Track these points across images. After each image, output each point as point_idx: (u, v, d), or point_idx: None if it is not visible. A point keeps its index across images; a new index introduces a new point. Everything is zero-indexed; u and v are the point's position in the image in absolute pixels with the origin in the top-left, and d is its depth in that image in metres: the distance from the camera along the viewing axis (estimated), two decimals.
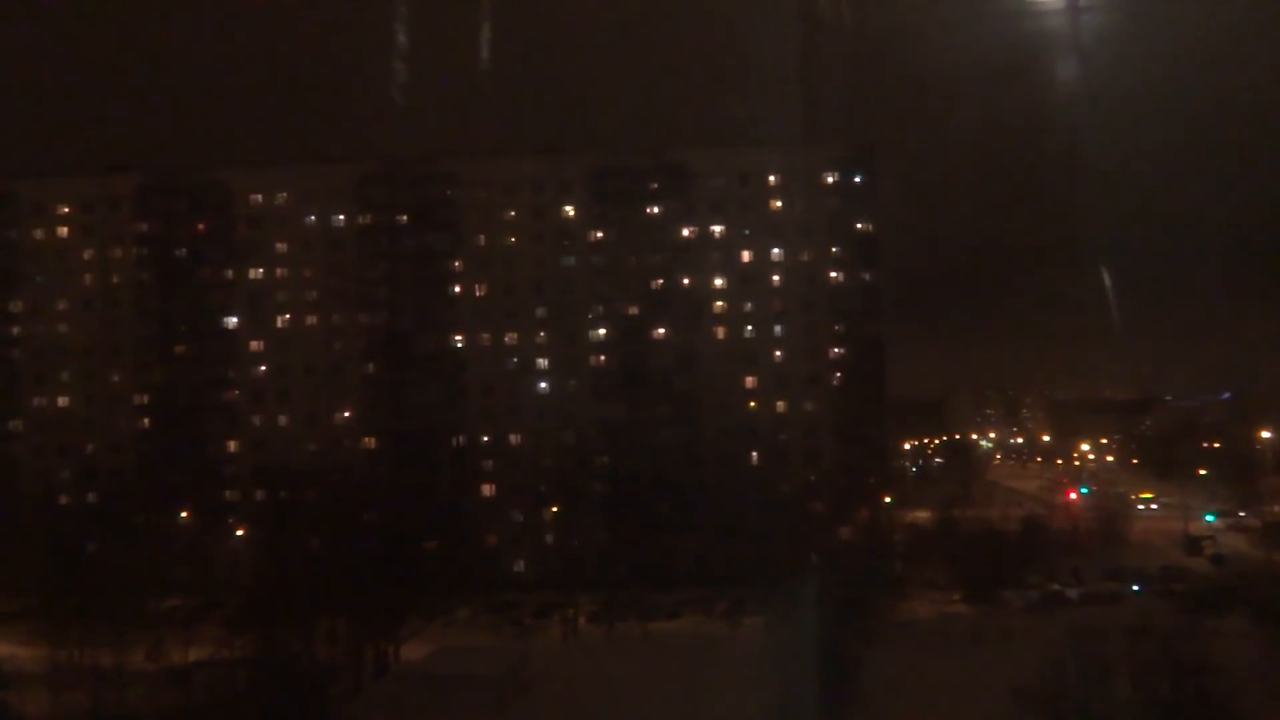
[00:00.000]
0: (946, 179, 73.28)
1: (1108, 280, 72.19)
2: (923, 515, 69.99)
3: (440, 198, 72.15)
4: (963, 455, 78.62)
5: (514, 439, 70.39)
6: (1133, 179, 75.34)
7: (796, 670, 35.91)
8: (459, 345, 71.36)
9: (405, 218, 72.80)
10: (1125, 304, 76.25)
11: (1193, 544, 69.19)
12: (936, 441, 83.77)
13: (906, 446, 77.82)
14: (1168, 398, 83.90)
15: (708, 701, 36.61)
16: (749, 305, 71.73)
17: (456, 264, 71.83)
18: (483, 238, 71.65)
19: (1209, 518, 77.94)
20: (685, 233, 71.97)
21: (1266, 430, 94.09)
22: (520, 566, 68.68)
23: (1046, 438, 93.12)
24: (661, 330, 71.56)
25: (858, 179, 72.70)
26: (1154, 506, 77.19)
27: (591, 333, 71.73)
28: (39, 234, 73.40)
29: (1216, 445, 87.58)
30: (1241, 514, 72.13)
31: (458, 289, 72.16)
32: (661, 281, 71.93)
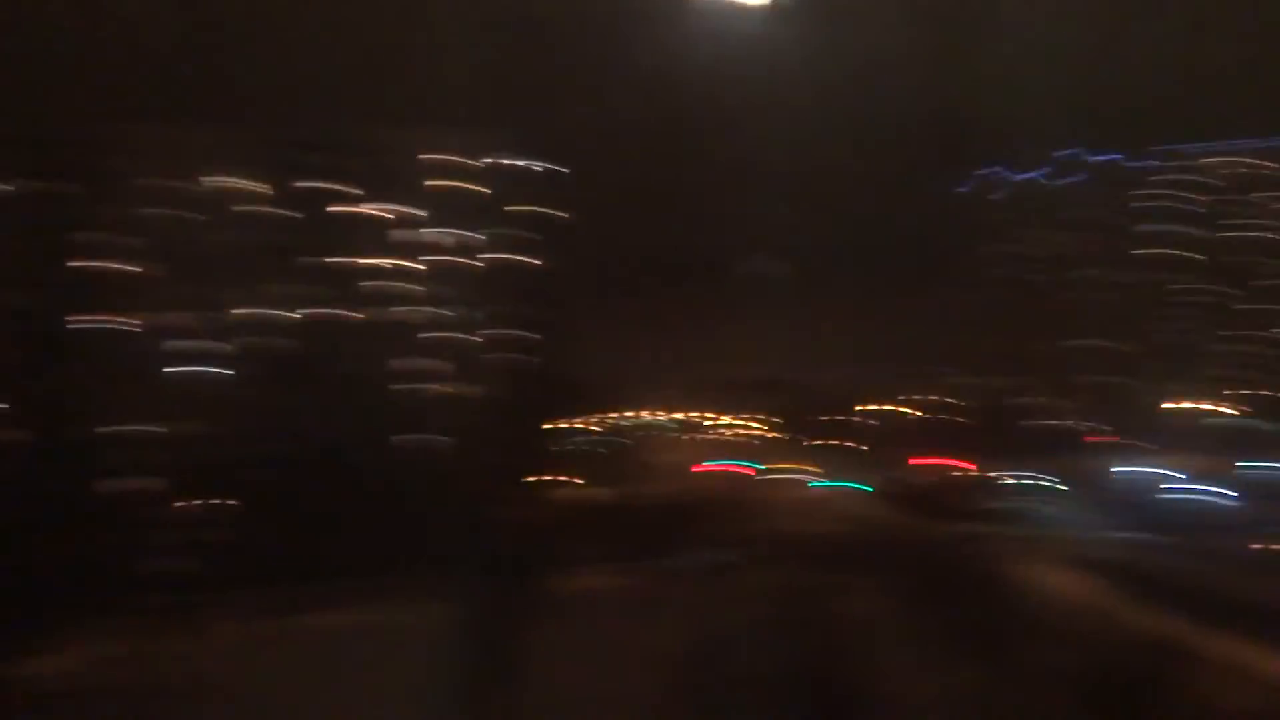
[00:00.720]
0: (629, 167, 76.73)
1: (773, 270, 79.22)
2: (592, 492, 73.17)
3: (91, 165, 66.60)
4: (627, 433, 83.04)
5: (166, 428, 66.34)
6: (792, 182, 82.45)
7: (459, 650, 37.08)
8: (107, 327, 66.29)
9: (52, 185, 66.66)
10: (793, 292, 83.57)
11: (829, 509, 76.36)
12: (606, 420, 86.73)
13: (577, 424, 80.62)
14: (793, 375, 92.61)
15: (374, 689, 36.95)
16: (421, 287, 71.61)
17: (105, 238, 66.66)
18: (136, 210, 66.98)
19: (855, 486, 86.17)
20: (358, 210, 70.80)
21: (907, 407, 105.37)
22: (171, 565, 64.82)
23: (718, 416, 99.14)
24: (328, 311, 69.92)
25: (540, 165, 74.54)
26: (809, 480, 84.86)
27: (253, 314, 68.82)
28: None
29: (870, 421, 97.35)
30: (883, 481, 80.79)
31: (108, 265, 67.02)
32: (331, 260, 70.37)
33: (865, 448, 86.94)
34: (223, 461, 63.05)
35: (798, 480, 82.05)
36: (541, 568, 49.61)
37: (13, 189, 64.61)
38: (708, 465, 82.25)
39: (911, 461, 75.40)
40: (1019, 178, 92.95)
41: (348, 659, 41.60)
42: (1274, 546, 51.16)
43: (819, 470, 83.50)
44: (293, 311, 67.53)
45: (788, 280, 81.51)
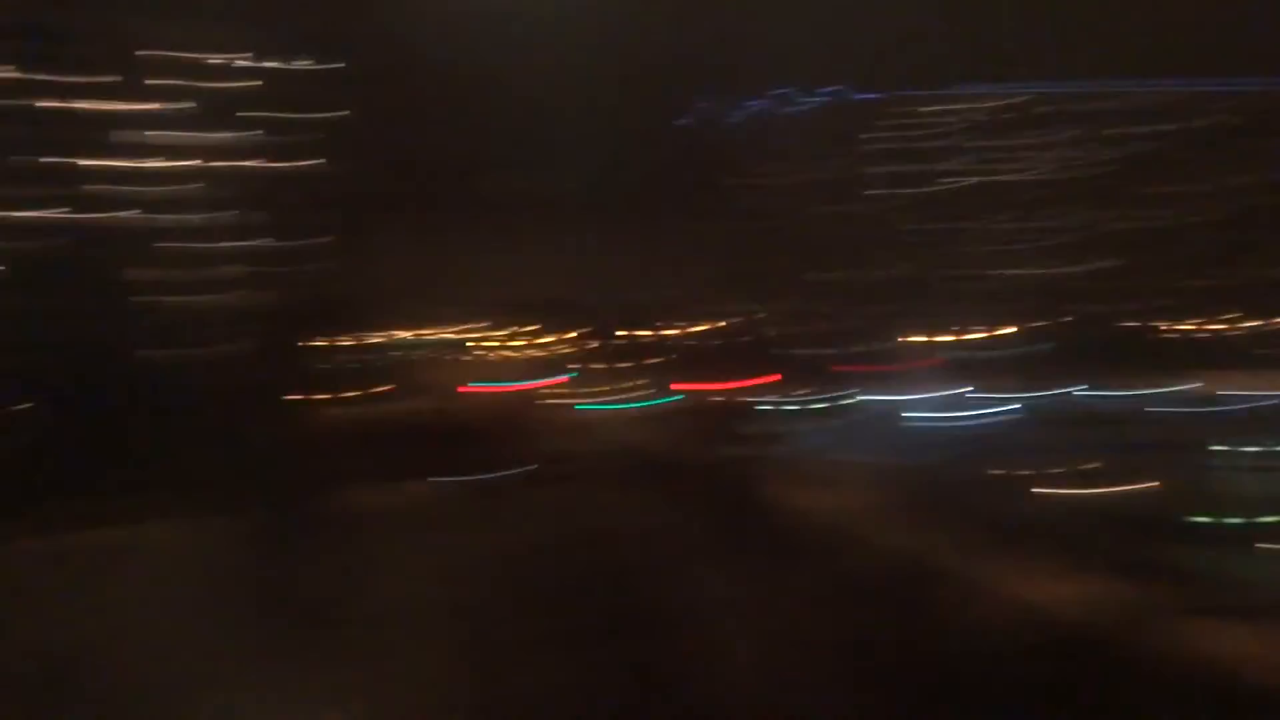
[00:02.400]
0: (407, 75, 75.56)
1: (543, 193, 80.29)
2: (357, 411, 72.84)
3: None
4: (394, 352, 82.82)
5: None
6: (560, 112, 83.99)
7: (227, 572, 37.10)
8: None
9: None
10: (561, 218, 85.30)
11: (593, 430, 79.16)
12: (373, 339, 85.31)
13: (344, 343, 79.21)
14: (591, 298, 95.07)
15: (152, 607, 36.53)
16: (172, 188, 68.43)
17: None
18: None
19: (624, 407, 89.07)
20: (117, 108, 66.75)
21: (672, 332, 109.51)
22: None
23: (492, 336, 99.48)
24: (70, 215, 65.89)
25: (311, 63, 72.13)
26: (576, 403, 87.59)
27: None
28: None
29: (639, 344, 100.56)
30: (649, 405, 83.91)
31: None
32: (69, 160, 66.17)
33: (633, 370, 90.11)
34: None
35: (568, 403, 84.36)
36: (306, 486, 49.74)
37: None
38: (477, 386, 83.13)
39: (674, 386, 79.16)
40: (745, 111, 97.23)
41: (115, 578, 40.67)
42: (1015, 472, 55.33)
43: (593, 391, 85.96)
44: (25, 214, 63.22)
45: (560, 204, 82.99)
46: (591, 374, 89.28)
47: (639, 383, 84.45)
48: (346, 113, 71.53)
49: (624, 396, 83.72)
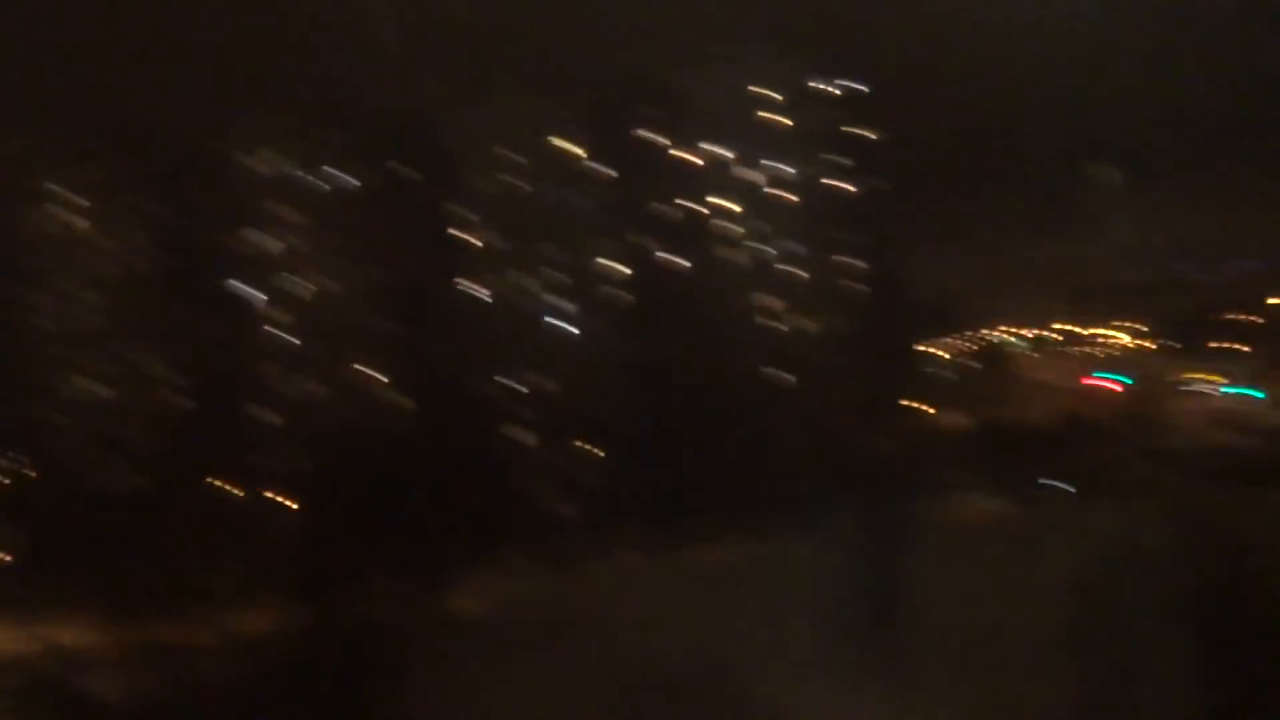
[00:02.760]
0: (944, 75, 73.09)
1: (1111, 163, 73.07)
2: (958, 418, 71.22)
3: (438, 146, 72.39)
4: (990, 353, 79.64)
5: (541, 383, 71.53)
6: (1136, 58, 74.78)
7: (848, 584, 37.24)
8: (478, 295, 72.08)
9: (403, 170, 73.13)
10: (1134, 182, 76.77)
11: (1232, 421, 69.95)
12: (964, 342, 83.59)
13: (934, 351, 78.10)
14: (1192, 273, 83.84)
15: (769, 623, 38.08)
16: (757, 224, 72.34)
17: (462, 211, 72.29)
18: (485, 183, 72.06)
19: (1255, 394, 78.30)
20: (688, 157, 72.49)
21: None
22: (565, 509, 70.15)
23: (1076, 328, 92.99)
24: (675, 260, 72.24)
25: (852, 84, 72.92)
26: (1201, 389, 78.29)
27: (605, 267, 72.41)
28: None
29: (1253, 319, 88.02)
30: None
31: (468, 237, 72.72)
32: (668, 210, 72.55)
33: (1264, 351, 78.68)
34: (591, 410, 67.30)
35: (1193, 391, 75.51)
36: (916, 496, 49.21)
37: (359, 180, 71.80)
38: (1086, 380, 77.58)
39: None
40: None
41: (731, 594, 43.17)
42: None
43: (1218, 378, 76.33)
44: (631, 265, 70.54)
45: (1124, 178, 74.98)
46: (1223, 356, 79.02)
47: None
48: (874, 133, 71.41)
49: (1257, 381, 73.18)
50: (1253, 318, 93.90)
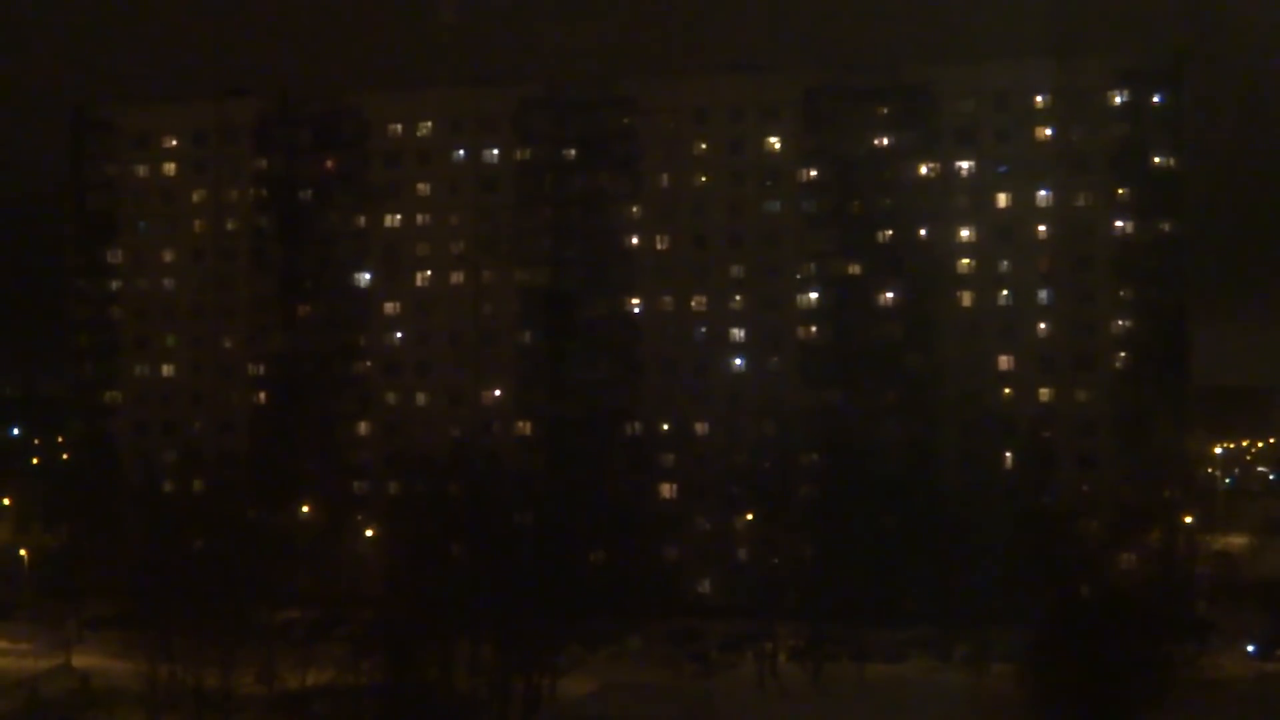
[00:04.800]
0: (1271, 99, 68.49)
1: None
2: (1237, 542, 66.12)
3: (615, 128, 72.04)
4: None
5: (701, 428, 70.01)
6: None
7: None
8: (635, 311, 71.23)
9: (573, 152, 73.09)
10: None
11: None
12: (1260, 445, 77.94)
13: (1217, 450, 72.58)
14: None
15: None
16: (1005, 264, 68.82)
17: (634, 210, 71.71)
18: (666, 177, 71.24)
19: None
20: (923, 171, 69.63)
21: None
22: (706, 587, 68.41)
23: None
24: (890, 295, 69.47)
25: (1156, 99, 68.57)
26: None
27: (801, 298, 70.36)
28: (142, 171, 77.32)
29: None
30: None
31: (635, 241, 71.96)
32: (891, 233, 69.80)
33: None
34: (770, 472, 65.20)
35: None
36: (1175, 639, 45.37)
37: (531, 157, 71.55)
38: None
39: None
40: None
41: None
42: None
43: None
44: (826, 291, 68.07)
45: None
46: None
47: None
48: (1174, 160, 66.06)
49: None
50: None
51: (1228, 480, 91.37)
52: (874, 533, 62.34)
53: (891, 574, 61.50)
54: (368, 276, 74.04)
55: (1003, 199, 68.17)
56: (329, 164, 75.03)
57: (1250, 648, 52.13)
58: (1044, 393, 66.51)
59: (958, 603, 56.30)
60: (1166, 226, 66.99)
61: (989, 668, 48.43)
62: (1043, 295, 66.72)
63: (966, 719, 40.38)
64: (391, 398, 73.28)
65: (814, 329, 68.82)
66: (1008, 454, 66.37)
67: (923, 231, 68.67)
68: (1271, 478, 69.68)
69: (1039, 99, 68.70)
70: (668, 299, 70.00)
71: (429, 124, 74.52)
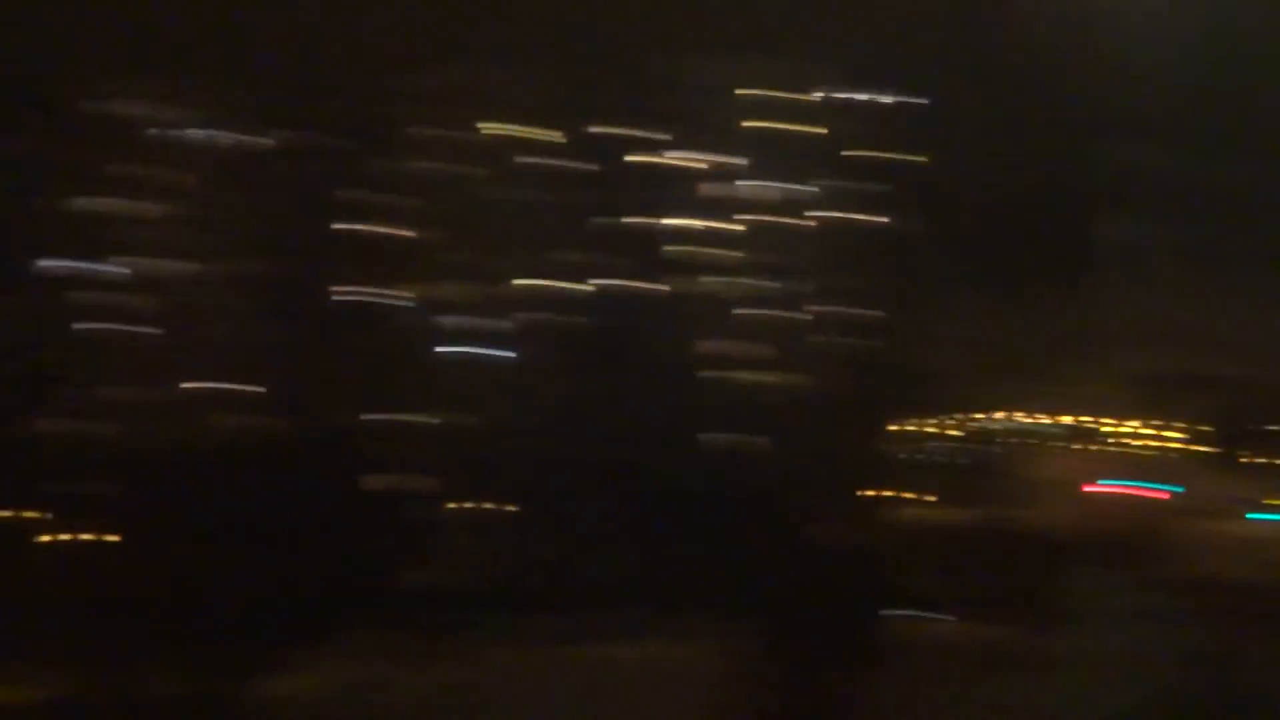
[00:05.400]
0: (1003, 101, 72.77)
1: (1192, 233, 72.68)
2: (954, 514, 70.36)
3: (358, 112, 71.29)
4: (996, 439, 78.48)
5: (447, 418, 70.02)
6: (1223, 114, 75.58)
7: (769, 705, 37.03)
8: (376, 300, 70.66)
9: (312, 136, 71.85)
10: (1226, 258, 76.83)
11: (1269, 551, 69.50)
12: (968, 422, 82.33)
13: (929, 428, 76.50)
14: (1246, 373, 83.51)
15: None
16: (738, 253, 71.29)
17: (375, 198, 71.14)
18: (413, 163, 70.91)
19: None
20: (674, 162, 71.38)
21: None
22: (444, 578, 68.52)
23: (1119, 420, 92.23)
24: (634, 284, 71.02)
25: (896, 98, 71.95)
26: (1246, 510, 77.48)
27: (548, 285, 71.11)
28: None
29: None
30: None
31: (377, 229, 71.40)
32: (641, 223, 71.31)
33: None
34: (501, 460, 65.87)
35: (1230, 509, 74.75)
36: (877, 605, 49.06)
37: (273, 142, 70.28)
38: (1104, 485, 76.65)
39: None
40: None
41: (635, 699, 42.89)
42: None
43: (1261, 497, 75.42)
44: (586, 283, 69.24)
45: (1208, 248, 75.06)
46: (1269, 471, 78.48)
47: None
48: (925, 158, 70.14)
49: None
50: None
51: (946, 457, 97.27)
52: (612, 517, 64.13)
53: (628, 556, 63.36)
54: (72, 261, 71.27)
55: (744, 191, 70.62)
56: (27, 139, 71.99)
57: (925, 610, 55.78)
58: (778, 377, 69.27)
59: (678, 582, 58.77)
60: (898, 219, 70.51)
61: (704, 644, 50.91)
62: (780, 284, 69.38)
63: (679, 694, 42.25)
64: (95, 391, 70.56)
65: (562, 318, 69.81)
66: (743, 437, 68.92)
67: (670, 222, 70.56)
68: (967, 451, 74.65)
69: (782, 93, 71.30)
70: (411, 288, 69.75)
71: (143, 103, 72.06)
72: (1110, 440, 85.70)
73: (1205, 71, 74.91)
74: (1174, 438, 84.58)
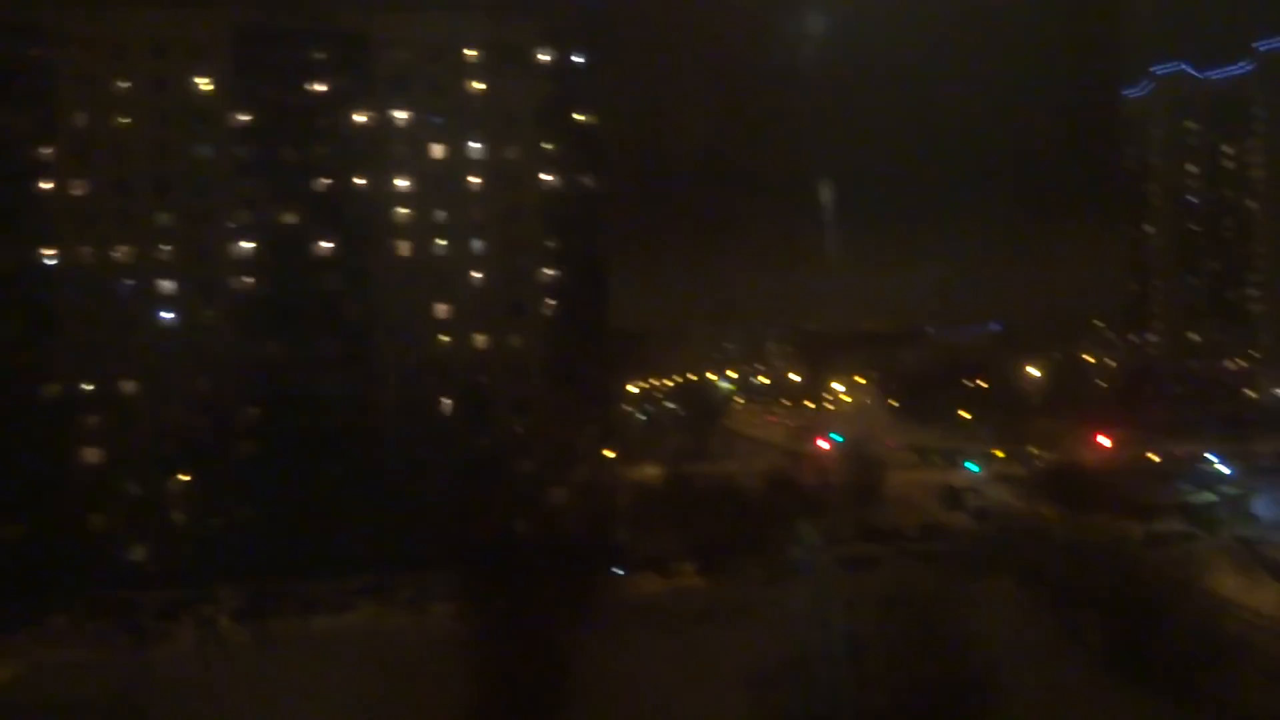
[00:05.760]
0: (677, 71, 74.89)
1: (859, 202, 77.26)
2: (652, 472, 72.21)
3: (23, 59, 66.20)
4: (698, 399, 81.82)
5: (128, 386, 66.34)
6: (896, 92, 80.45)
7: (498, 665, 36.50)
8: (49, 261, 66.13)
9: None
10: (887, 228, 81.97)
11: (953, 497, 75.42)
12: (667, 383, 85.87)
13: (632, 389, 79.24)
14: (929, 329, 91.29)
15: (387, 710, 36.79)
16: (440, 214, 70.50)
17: (46, 151, 66.41)
18: (83, 116, 66.50)
19: (971, 467, 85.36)
20: (359, 119, 69.74)
21: (1034, 366, 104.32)
22: (139, 555, 65.20)
23: (795, 376, 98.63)
24: (327, 245, 69.13)
25: (577, 59, 72.63)
26: (923, 457, 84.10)
27: (234, 247, 68.30)
28: None
29: (982, 383, 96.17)
30: (1007, 460, 79.03)
31: (48, 185, 66.79)
32: (327, 181, 69.43)
33: (994, 419, 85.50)
34: (198, 429, 63.15)
35: (915, 460, 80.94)
36: (603, 565, 49.44)
37: None
38: (810, 440, 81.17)
39: (1064, 438, 74.00)
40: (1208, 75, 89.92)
41: (356, 670, 41.60)
42: None
43: (942, 445, 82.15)
44: (261, 241, 66.60)
45: (876, 213, 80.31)
46: (949, 423, 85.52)
47: (1009, 433, 79.80)
48: (593, 119, 70.91)
49: (984, 452, 79.43)
50: (983, 383, 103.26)
51: (642, 416, 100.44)
52: (315, 484, 62.58)
53: (335, 525, 62.07)
54: None
55: (438, 150, 69.70)
56: None
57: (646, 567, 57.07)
58: (479, 340, 68.96)
59: (401, 548, 58.12)
60: (587, 180, 71.33)
61: (431, 609, 50.34)
62: (477, 245, 68.95)
63: (405, 658, 41.30)
64: None
65: (249, 280, 67.09)
66: (444, 400, 68.39)
67: (359, 180, 68.91)
68: (681, 414, 77.45)
69: (472, 52, 70.71)
70: (86, 249, 65.42)
71: None
72: (809, 395, 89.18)
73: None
74: (868, 392, 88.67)
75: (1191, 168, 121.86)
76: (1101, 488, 62.32)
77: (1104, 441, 79.52)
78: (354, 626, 51.57)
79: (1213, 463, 73.15)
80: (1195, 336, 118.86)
